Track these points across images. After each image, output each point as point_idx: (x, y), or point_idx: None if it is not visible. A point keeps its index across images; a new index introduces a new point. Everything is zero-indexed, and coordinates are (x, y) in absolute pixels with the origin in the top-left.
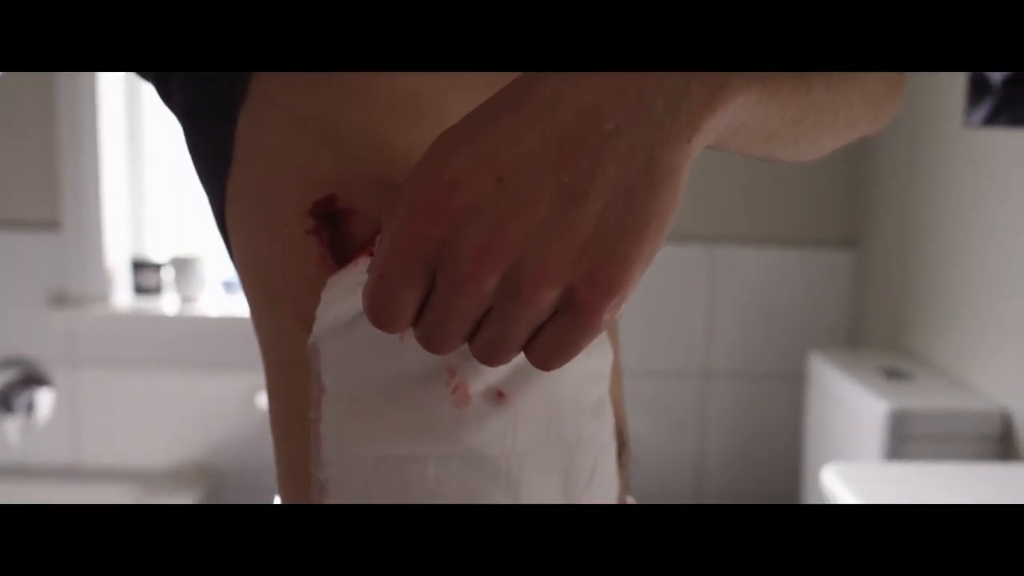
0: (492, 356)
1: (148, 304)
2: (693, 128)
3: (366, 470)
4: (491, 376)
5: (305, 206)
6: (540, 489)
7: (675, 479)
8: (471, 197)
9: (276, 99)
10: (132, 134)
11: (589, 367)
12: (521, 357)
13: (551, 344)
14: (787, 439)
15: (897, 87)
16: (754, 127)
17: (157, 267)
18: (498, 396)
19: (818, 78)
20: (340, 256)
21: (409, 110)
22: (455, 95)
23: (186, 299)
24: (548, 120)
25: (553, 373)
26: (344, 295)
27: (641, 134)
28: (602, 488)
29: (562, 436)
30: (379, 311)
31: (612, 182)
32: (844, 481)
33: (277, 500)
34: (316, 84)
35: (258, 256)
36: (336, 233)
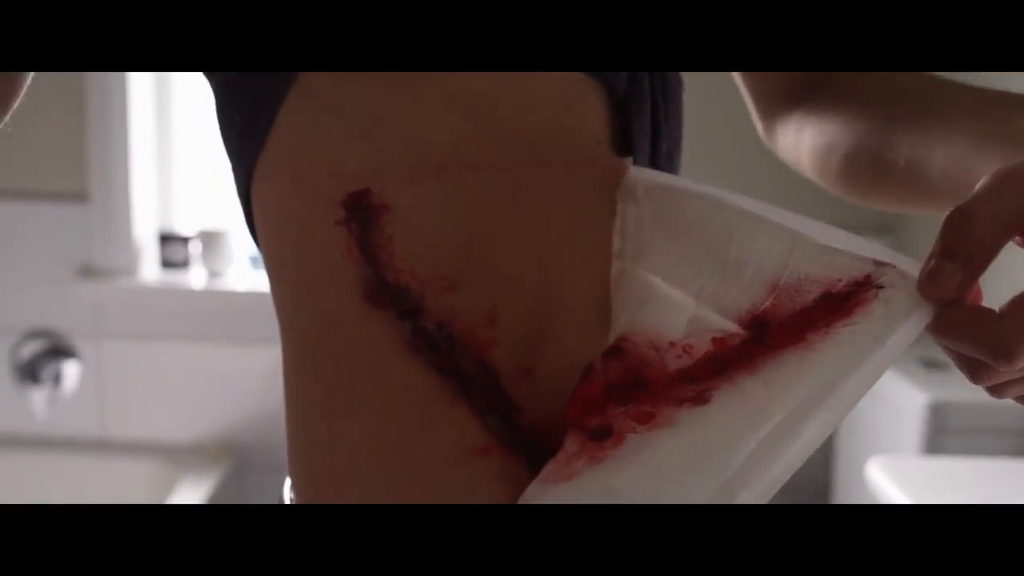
0: None
1: (175, 278)
2: None
3: None
4: None
5: (338, 196)
6: None
7: None
8: None
9: (324, 86)
10: (161, 105)
11: None
12: None
13: None
14: None
15: None
16: None
17: (185, 240)
18: None
19: None
20: (367, 251)
21: (460, 106)
22: (507, 95)
23: (213, 273)
24: None
25: None
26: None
27: None
28: None
29: None
30: None
31: None
32: (889, 475)
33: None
34: (367, 73)
35: (284, 238)
36: (366, 228)
